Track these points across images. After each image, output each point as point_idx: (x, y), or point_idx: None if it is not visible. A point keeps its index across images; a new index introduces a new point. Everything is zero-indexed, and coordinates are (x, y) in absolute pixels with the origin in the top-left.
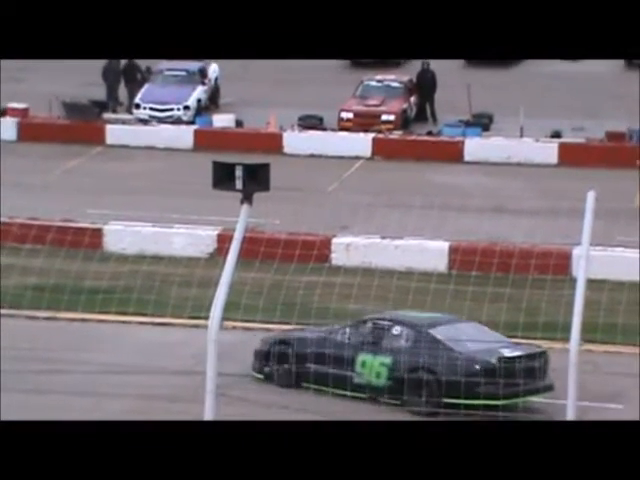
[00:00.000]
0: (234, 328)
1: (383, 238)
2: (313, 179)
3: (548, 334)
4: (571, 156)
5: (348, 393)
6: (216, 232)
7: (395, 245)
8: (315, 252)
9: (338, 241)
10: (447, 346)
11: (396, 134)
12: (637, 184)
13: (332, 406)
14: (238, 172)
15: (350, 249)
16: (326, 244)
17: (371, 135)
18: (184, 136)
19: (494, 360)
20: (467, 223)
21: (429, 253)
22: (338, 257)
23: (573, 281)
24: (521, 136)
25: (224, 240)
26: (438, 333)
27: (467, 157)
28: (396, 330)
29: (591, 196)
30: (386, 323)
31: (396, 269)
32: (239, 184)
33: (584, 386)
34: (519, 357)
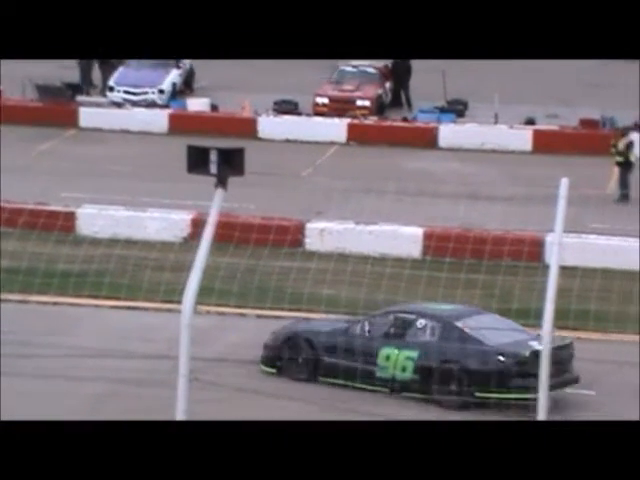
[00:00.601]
0: (208, 312)
1: (357, 224)
2: (287, 164)
3: (521, 320)
4: (545, 143)
5: (370, 387)
6: (190, 216)
7: (369, 231)
8: (289, 237)
9: (312, 226)
10: (476, 339)
11: (371, 119)
12: (610, 171)
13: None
14: (212, 156)
15: (324, 234)
16: (300, 229)
17: (346, 120)
18: (158, 120)
19: (527, 353)
20: (441, 209)
21: (403, 239)
22: (312, 242)
23: (546, 268)
24: (495, 122)
25: (198, 224)
26: (465, 325)
27: (441, 143)
28: (420, 323)
29: (564, 183)
30: (409, 316)
31: (370, 255)
32: (213, 168)
33: None
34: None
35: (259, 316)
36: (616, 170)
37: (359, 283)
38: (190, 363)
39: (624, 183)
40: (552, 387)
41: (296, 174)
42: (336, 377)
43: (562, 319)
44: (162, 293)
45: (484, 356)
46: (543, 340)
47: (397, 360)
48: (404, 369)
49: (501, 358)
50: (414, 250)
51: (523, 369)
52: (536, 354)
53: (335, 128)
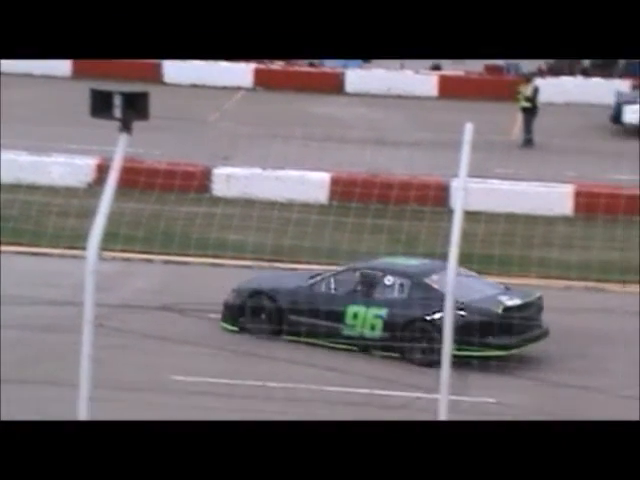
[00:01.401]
0: (113, 258)
1: (264, 169)
2: (194, 109)
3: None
4: (450, 88)
5: (337, 345)
6: (95, 161)
7: (276, 176)
8: (195, 183)
9: (219, 172)
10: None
11: (277, 65)
12: (514, 117)
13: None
14: (116, 100)
15: (231, 180)
16: (207, 175)
17: (252, 65)
18: (61, 63)
19: (500, 310)
20: (348, 154)
21: (310, 184)
22: (218, 188)
23: (451, 212)
24: (401, 68)
25: (103, 170)
26: (434, 282)
27: (348, 88)
28: (388, 280)
29: (469, 128)
30: (376, 273)
31: (277, 200)
32: (117, 112)
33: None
34: (522, 305)
35: (166, 262)
36: (521, 116)
37: (266, 229)
38: (95, 309)
39: (528, 128)
40: (524, 342)
41: (202, 119)
42: (301, 335)
43: (466, 263)
44: (66, 239)
45: (456, 313)
46: (447, 284)
47: (365, 318)
48: (373, 327)
49: (477, 315)
50: (321, 195)
51: (495, 325)
52: (509, 310)
53: (241, 73)
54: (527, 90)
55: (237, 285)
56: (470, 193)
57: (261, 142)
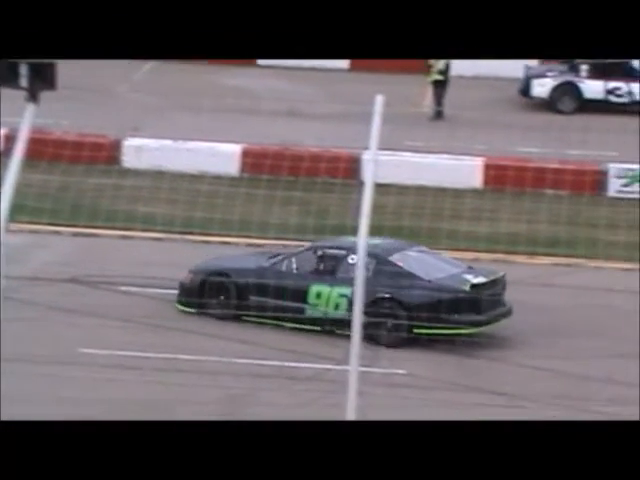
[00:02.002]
0: (20, 231)
1: (175, 140)
2: (102, 80)
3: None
4: (362, 61)
5: (300, 326)
6: (1, 132)
7: (187, 148)
8: (105, 154)
9: (128, 143)
10: (412, 273)
11: None
12: (425, 89)
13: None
14: (23, 70)
15: (141, 151)
16: (116, 146)
17: None
18: None
19: (467, 287)
20: (259, 126)
21: (221, 156)
22: (128, 159)
23: (361, 184)
24: None
25: (9, 140)
26: (399, 260)
27: (259, 60)
28: (352, 259)
29: (379, 100)
30: (339, 252)
31: (187, 172)
32: (24, 82)
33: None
34: (487, 283)
35: (74, 234)
36: (431, 88)
37: (176, 201)
38: (2, 282)
39: (439, 101)
40: (489, 321)
41: (111, 90)
42: (263, 317)
43: (376, 234)
44: None
45: (422, 291)
46: (358, 257)
47: (329, 298)
48: (337, 307)
49: (444, 294)
50: (232, 167)
51: (463, 304)
52: (475, 287)
53: None
54: (439, 63)
55: (194, 266)
56: (380, 165)
57: (171, 114)
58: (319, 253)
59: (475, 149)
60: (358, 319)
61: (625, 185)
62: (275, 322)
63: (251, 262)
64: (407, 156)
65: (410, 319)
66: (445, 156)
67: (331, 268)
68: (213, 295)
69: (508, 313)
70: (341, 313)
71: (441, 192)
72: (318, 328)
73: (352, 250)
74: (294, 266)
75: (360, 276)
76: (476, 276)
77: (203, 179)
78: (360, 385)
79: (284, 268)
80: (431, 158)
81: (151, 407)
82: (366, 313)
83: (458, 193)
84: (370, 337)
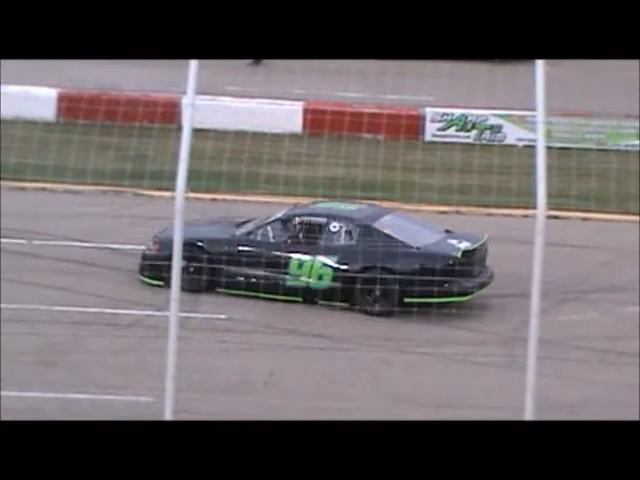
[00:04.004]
0: None
1: None
2: None
3: (155, 182)
4: None
5: (280, 297)
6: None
7: (2, 92)
8: None
9: None
10: (400, 241)
11: None
12: None
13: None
14: None
15: None
16: None
17: None
18: None
19: (458, 254)
20: (74, 71)
21: (36, 100)
22: None
23: (180, 129)
24: None
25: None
26: (383, 227)
27: None
28: (334, 226)
29: None
30: (319, 219)
31: (1, 117)
32: None
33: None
34: (476, 249)
35: None
36: None
37: None
38: None
39: None
40: (480, 286)
41: None
42: (239, 288)
43: (195, 179)
44: None
45: (413, 259)
46: (176, 203)
47: (312, 267)
48: (321, 277)
49: (437, 261)
50: (47, 112)
51: (455, 271)
52: (466, 253)
53: None
54: None
55: (156, 235)
56: (199, 110)
57: None
58: (297, 221)
59: (294, 94)
60: (177, 262)
61: (441, 129)
62: (254, 293)
63: (221, 231)
64: (226, 101)
65: (402, 288)
66: (264, 101)
67: (312, 237)
68: (183, 265)
69: (491, 278)
70: (325, 283)
71: (260, 137)
72: (300, 299)
73: (332, 217)
74: (271, 235)
75: (177, 228)
76: (460, 241)
77: (17, 124)
78: (181, 330)
79: (260, 237)
80: (251, 103)
81: None
82: (354, 282)
83: (277, 138)
84: (359, 308)
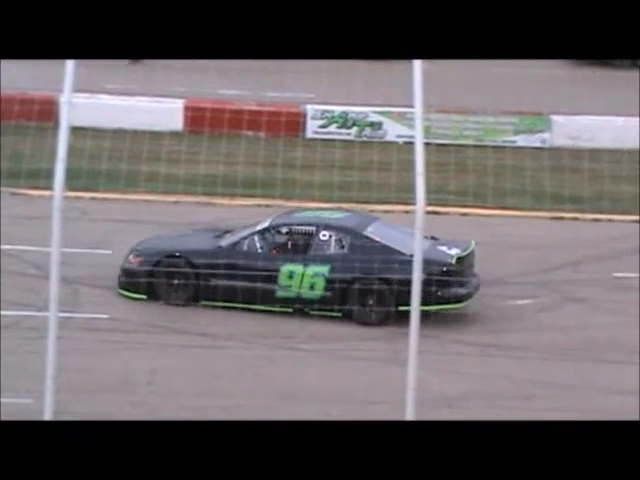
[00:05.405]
0: None
1: None
2: None
3: (32, 181)
4: None
5: (270, 308)
6: None
7: None
8: None
9: None
10: (393, 249)
11: None
12: None
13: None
14: None
15: None
16: None
17: None
18: None
19: (452, 260)
20: None
21: None
22: None
23: (57, 128)
24: None
25: None
26: (374, 235)
27: None
28: (324, 235)
29: None
30: (308, 228)
31: None
32: None
33: (72, 236)
34: (467, 255)
35: None
36: None
37: None
38: None
39: None
40: (469, 295)
41: None
42: (227, 300)
43: (73, 179)
44: None
45: (408, 266)
46: (55, 200)
47: (303, 277)
48: (312, 286)
49: (432, 268)
50: None
51: (450, 278)
52: (459, 260)
53: None
54: None
55: (135, 248)
56: (77, 108)
57: None
58: (285, 230)
59: (174, 91)
60: (56, 256)
61: (322, 126)
62: (243, 306)
63: (203, 242)
64: (105, 99)
65: (398, 296)
66: (144, 98)
67: (301, 246)
68: (167, 279)
69: (479, 284)
70: (317, 293)
71: (140, 135)
72: (290, 310)
73: (321, 226)
74: (258, 245)
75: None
76: (450, 248)
77: None
78: (62, 331)
79: (246, 247)
80: (130, 101)
81: None
82: (347, 292)
83: (157, 135)
84: (351, 318)
